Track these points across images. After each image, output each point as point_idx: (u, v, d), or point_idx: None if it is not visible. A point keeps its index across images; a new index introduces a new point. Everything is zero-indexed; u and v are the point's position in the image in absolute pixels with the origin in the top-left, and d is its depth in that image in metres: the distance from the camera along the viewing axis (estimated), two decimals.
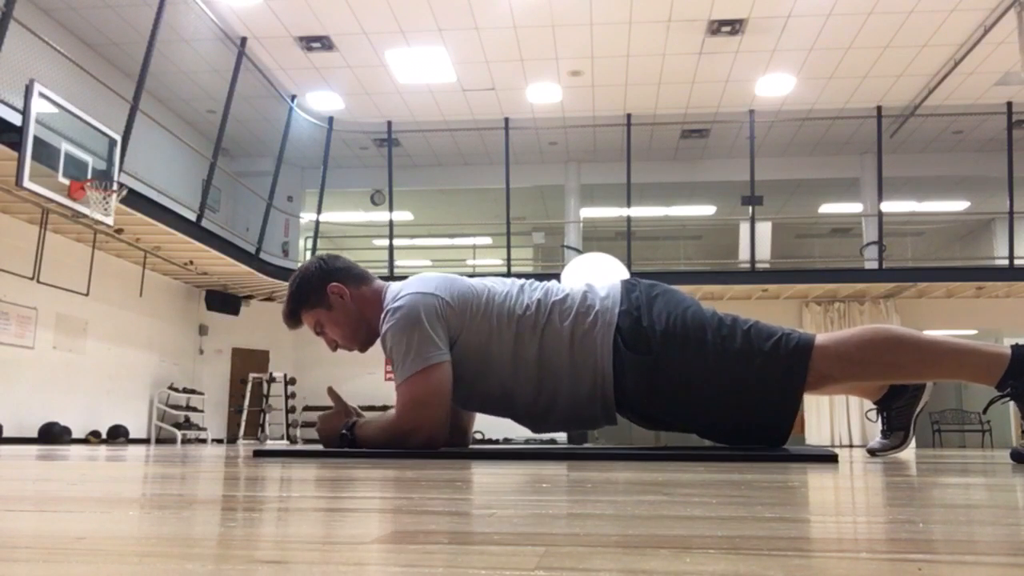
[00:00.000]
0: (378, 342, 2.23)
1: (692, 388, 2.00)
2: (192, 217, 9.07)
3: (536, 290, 2.18)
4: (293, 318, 2.27)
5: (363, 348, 2.27)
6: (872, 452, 2.36)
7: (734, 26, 9.16)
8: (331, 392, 2.27)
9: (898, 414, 2.27)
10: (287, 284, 2.32)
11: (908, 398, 2.23)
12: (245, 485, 1.15)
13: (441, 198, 14.60)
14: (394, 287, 2.20)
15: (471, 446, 2.33)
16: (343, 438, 2.10)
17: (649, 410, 2.09)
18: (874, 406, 2.31)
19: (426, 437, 2.02)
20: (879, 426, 2.33)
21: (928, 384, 2.22)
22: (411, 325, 2.03)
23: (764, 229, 11.47)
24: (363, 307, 2.21)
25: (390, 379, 12.31)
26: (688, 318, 2.03)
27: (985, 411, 2.12)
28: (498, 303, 2.12)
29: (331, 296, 2.20)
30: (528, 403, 2.14)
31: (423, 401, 2.01)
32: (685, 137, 12.36)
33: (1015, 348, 1.86)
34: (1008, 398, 1.84)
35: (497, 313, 2.11)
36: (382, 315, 2.12)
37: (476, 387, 2.15)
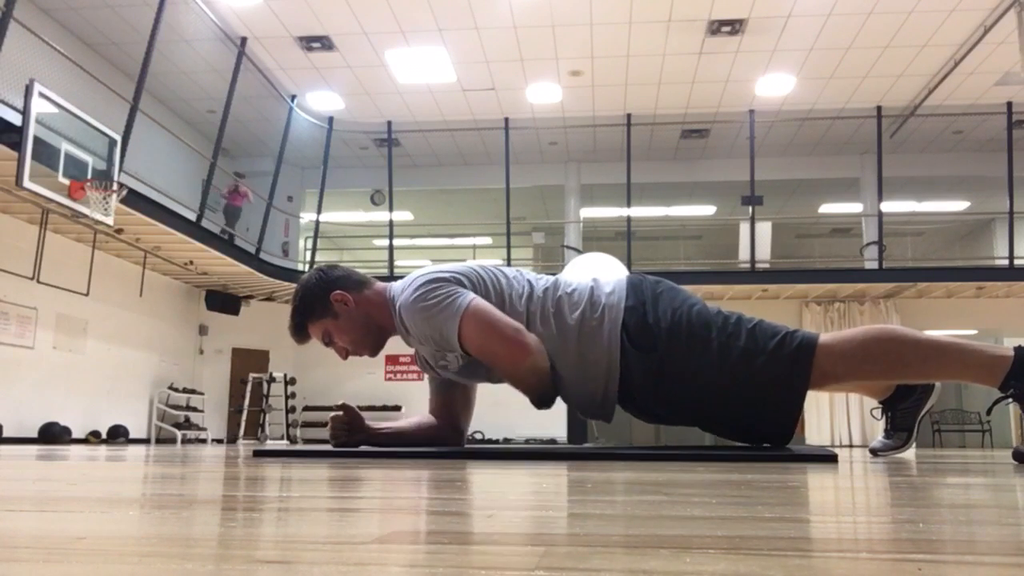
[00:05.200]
0: (390, 342, 2.24)
1: (696, 386, 2.00)
2: (192, 217, 9.08)
3: (543, 280, 2.18)
4: (300, 333, 2.26)
5: (374, 352, 2.26)
6: (874, 452, 2.36)
7: (734, 26, 9.16)
8: (346, 407, 2.26)
9: (903, 415, 2.26)
10: (287, 285, 2.33)
11: (914, 400, 2.23)
12: (245, 485, 1.15)
13: (441, 198, 14.60)
14: (397, 284, 2.20)
15: (470, 446, 2.33)
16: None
17: (653, 406, 2.10)
18: (879, 405, 2.31)
19: (524, 356, 1.97)
20: (882, 425, 2.33)
21: (936, 387, 2.22)
22: (425, 299, 2.03)
23: (764, 229, 11.47)
24: (369, 310, 2.21)
25: (390, 379, 12.38)
26: (693, 316, 2.03)
27: (989, 412, 2.12)
28: (508, 287, 2.13)
29: (336, 305, 2.19)
30: None
31: (491, 335, 1.98)
32: (685, 137, 12.36)
33: (1018, 350, 1.86)
34: (1011, 399, 1.85)
35: (508, 297, 2.11)
36: (397, 310, 2.12)
37: (493, 370, 2.16)
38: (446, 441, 2.31)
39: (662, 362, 2.01)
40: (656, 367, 2.01)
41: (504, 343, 1.98)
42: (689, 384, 2.01)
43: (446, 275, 2.09)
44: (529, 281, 2.16)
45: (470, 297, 2.00)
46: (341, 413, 2.23)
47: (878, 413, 2.33)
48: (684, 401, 2.05)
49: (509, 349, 1.98)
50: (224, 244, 9.69)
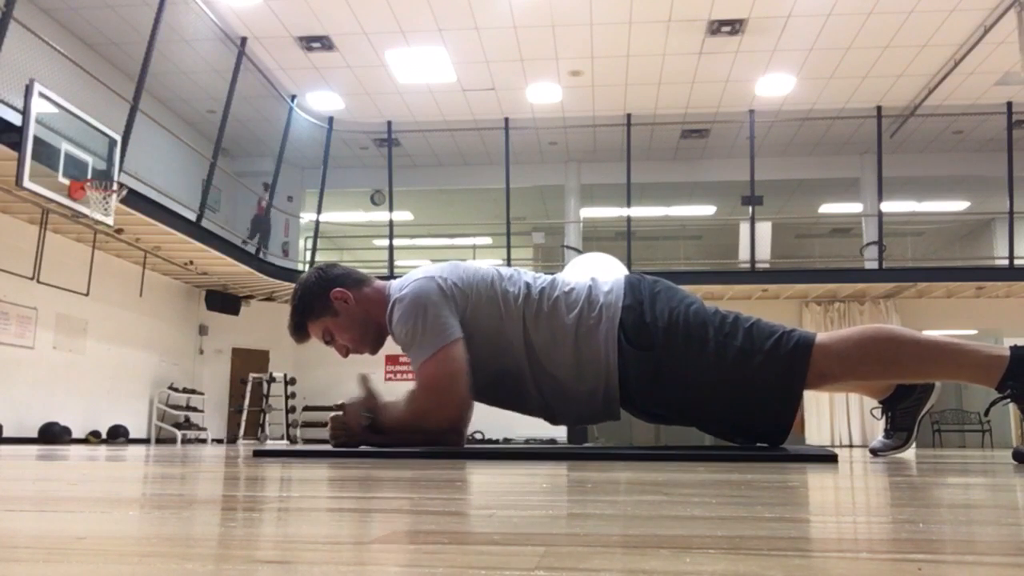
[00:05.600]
0: (388, 340, 2.23)
1: (693, 385, 2.01)
2: (192, 217, 9.08)
3: (541, 280, 2.18)
4: (300, 332, 2.26)
5: (374, 350, 2.26)
6: (874, 452, 2.36)
7: (734, 26, 9.16)
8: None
9: (903, 415, 2.26)
10: (287, 285, 2.33)
11: (914, 399, 2.23)
12: (245, 485, 1.15)
13: (441, 198, 14.60)
14: (396, 282, 2.21)
15: (470, 446, 2.33)
16: (367, 426, 2.10)
17: (650, 405, 2.09)
18: (879, 405, 2.31)
19: (446, 418, 2.01)
20: (882, 425, 2.33)
21: (936, 386, 2.22)
22: (419, 309, 2.03)
23: (764, 229, 11.47)
24: (368, 308, 2.21)
25: (390, 379, 12.37)
26: (690, 315, 2.03)
27: (986, 413, 2.12)
28: (504, 287, 2.12)
29: (336, 302, 2.19)
30: (540, 388, 2.13)
31: (439, 385, 2.01)
32: (685, 137, 12.36)
33: (1014, 349, 1.86)
34: (1008, 399, 1.84)
35: (503, 296, 2.11)
36: (388, 308, 2.12)
37: (492, 368, 2.13)
38: (446, 441, 2.31)
39: (659, 361, 2.00)
40: (653, 366, 2.01)
41: (447, 398, 2.01)
42: (686, 383, 2.01)
43: (442, 282, 2.07)
44: (527, 283, 2.15)
45: (454, 338, 2.01)
46: (341, 413, 2.22)
47: (878, 413, 2.33)
48: (681, 400, 2.05)
49: (446, 405, 2.02)
50: (224, 244, 9.69)
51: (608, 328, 2.04)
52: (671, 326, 2.01)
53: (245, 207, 12.27)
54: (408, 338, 2.05)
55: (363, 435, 2.11)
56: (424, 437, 2.07)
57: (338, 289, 2.20)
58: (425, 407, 2.03)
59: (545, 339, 2.08)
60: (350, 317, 2.20)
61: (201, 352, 11.86)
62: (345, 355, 2.28)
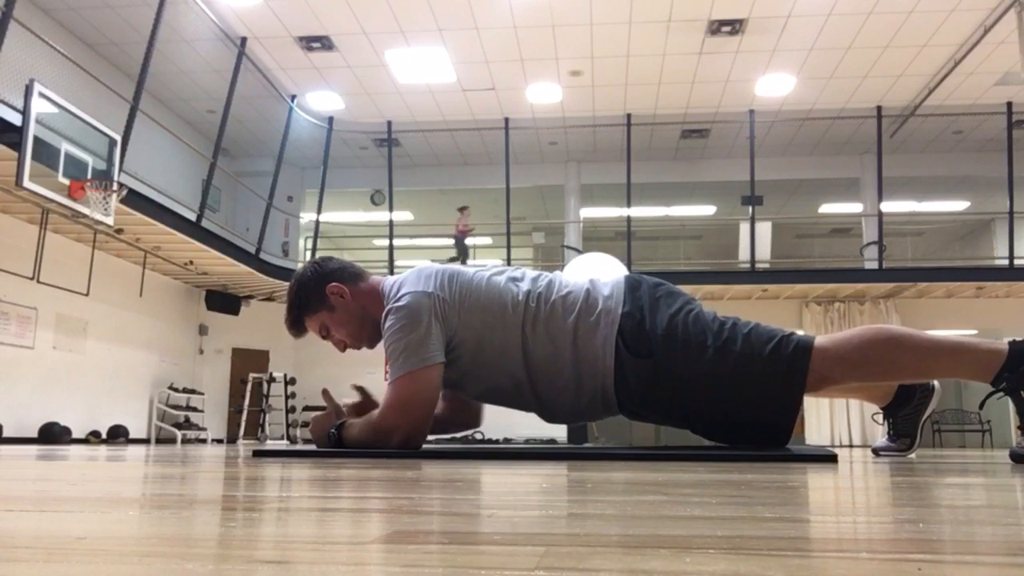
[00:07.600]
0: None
1: (692, 392, 2.00)
2: (192, 217, 9.08)
3: (539, 284, 2.16)
4: (297, 326, 2.26)
5: (372, 344, 2.26)
6: (876, 452, 2.35)
7: (734, 26, 9.16)
8: (325, 394, 2.28)
9: (904, 421, 2.26)
10: (287, 285, 2.32)
11: (914, 405, 2.23)
12: (245, 485, 1.15)
13: (441, 198, 14.59)
14: (391, 281, 2.18)
15: (470, 446, 2.33)
16: (331, 437, 2.12)
17: (649, 412, 2.09)
18: (880, 411, 2.30)
19: (404, 438, 2.03)
20: (884, 430, 2.33)
21: (936, 391, 2.21)
22: (408, 325, 2.03)
23: (764, 229, 11.47)
24: (365, 303, 2.20)
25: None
26: (690, 321, 2.02)
27: (981, 407, 2.12)
28: (501, 295, 2.11)
29: (332, 297, 2.19)
30: (538, 394, 2.13)
31: (407, 403, 2.03)
32: (685, 137, 12.36)
33: (1012, 344, 1.86)
34: (1003, 393, 1.84)
35: (500, 305, 2.09)
36: (383, 313, 2.11)
37: (487, 379, 2.14)
38: (464, 423, 2.36)
39: (658, 368, 2.00)
40: (652, 373, 2.00)
41: (410, 418, 2.03)
42: (686, 390, 2.00)
43: (437, 300, 2.06)
44: (526, 290, 2.13)
45: (434, 362, 2.03)
46: (326, 412, 2.22)
47: (879, 419, 2.32)
48: (681, 406, 2.05)
49: (409, 424, 2.03)
50: (224, 244, 9.69)
51: (607, 333, 2.04)
52: (670, 333, 2.01)
53: (245, 207, 12.27)
54: (391, 352, 2.07)
55: (329, 447, 2.12)
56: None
57: (334, 284, 2.19)
58: (385, 426, 2.05)
59: (543, 345, 2.07)
60: (347, 312, 2.20)
61: (201, 352, 11.86)
62: (343, 350, 2.28)
